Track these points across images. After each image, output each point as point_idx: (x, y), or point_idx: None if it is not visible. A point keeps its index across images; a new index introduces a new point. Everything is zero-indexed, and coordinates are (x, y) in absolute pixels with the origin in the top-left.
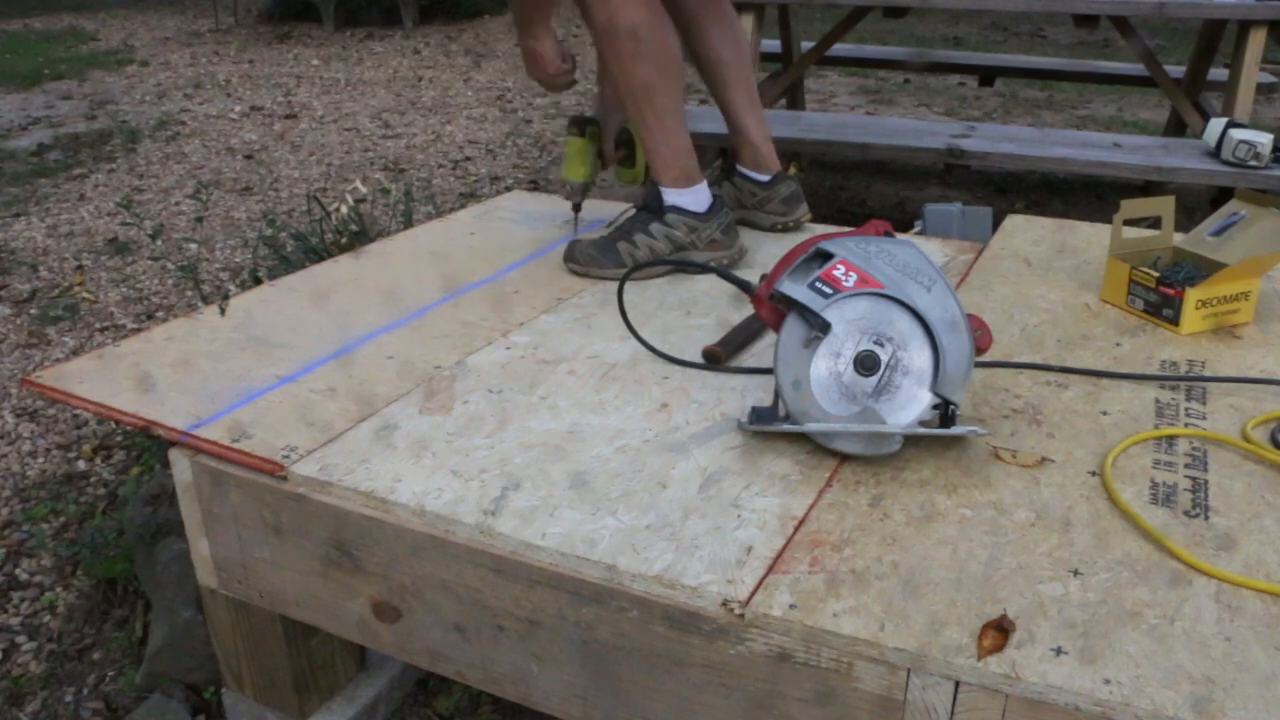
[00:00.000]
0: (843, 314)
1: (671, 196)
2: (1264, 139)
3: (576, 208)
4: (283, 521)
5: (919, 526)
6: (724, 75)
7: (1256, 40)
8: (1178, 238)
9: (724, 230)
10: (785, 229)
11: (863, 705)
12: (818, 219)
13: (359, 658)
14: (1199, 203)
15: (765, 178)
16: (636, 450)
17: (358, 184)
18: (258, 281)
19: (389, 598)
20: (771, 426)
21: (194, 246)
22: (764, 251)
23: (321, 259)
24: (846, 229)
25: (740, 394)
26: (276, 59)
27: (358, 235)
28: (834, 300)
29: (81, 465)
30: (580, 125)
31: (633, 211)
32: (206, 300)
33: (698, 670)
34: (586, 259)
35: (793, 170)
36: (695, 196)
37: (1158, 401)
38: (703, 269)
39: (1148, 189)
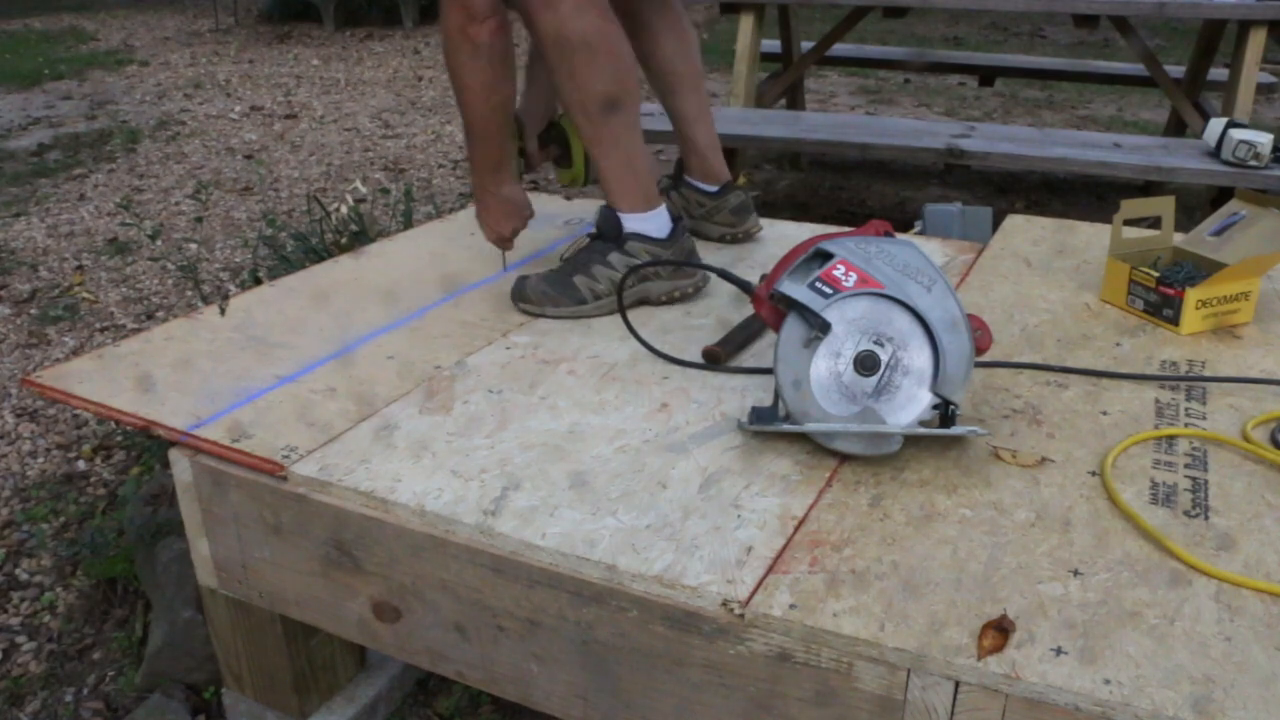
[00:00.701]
0: (843, 314)
1: (632, 223)
2: (1264, 139)
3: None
4: (283, 521)
5: (919, 526)
6: (673, 83)
7: (1256, 40)
8: (1178, 238)
9: (687, 255)
10: (735, 240)
11: (863, 705)
12: (818, 219)
13: (359, 658)
14: (1199, 203)
15: (713, 188)
16: (636, 450)
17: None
18: (258, 281)
19: (389, 598)
20: (771, 426)
21: (194, 246)
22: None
23: (321, 259)
24: (846, 229)
25: (740, 394)
26: (276, 59)
27: (358, 235)
28: (834, 300)
29: (81, 465)
30: None
31: (585, 242)
32: (206, 300)
33: (698, 670)
34: (540, 296)
35: (742, 180)
36: (656, 221)
37: (1158, 401)
38: (702, 268)
39: (1148, 189)
